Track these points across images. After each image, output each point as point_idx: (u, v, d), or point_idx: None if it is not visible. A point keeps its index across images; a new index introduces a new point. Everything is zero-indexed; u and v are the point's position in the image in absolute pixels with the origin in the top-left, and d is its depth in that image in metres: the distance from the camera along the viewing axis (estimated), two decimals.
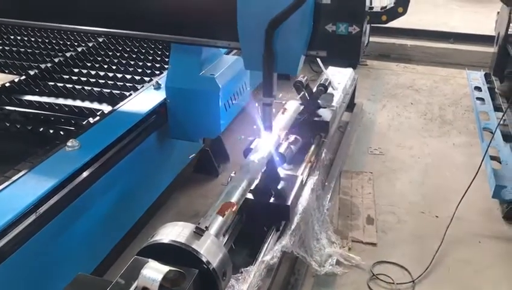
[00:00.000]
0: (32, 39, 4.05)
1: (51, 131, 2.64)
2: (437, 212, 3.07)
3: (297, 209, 2.38)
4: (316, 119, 3.09)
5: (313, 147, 2.92)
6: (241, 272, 1.94)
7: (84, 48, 3.84)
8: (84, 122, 2.66)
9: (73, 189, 2.08)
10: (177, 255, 1.52)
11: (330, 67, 4.02)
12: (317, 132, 3.08)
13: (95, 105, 2.97)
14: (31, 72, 3.35)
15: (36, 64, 3.49)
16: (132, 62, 3.58)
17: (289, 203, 2.28)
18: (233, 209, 1.85)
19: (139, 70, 3.44)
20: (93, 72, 3.36)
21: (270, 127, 2.21)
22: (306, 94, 3.05)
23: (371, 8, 2.27)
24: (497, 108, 4.12)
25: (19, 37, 4.08)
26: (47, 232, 1.95)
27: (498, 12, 4.63)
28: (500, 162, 3.26)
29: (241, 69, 2.71)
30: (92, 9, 2.56)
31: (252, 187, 2.18)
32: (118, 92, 3.04)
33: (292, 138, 2.53)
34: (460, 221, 2.88)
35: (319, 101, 3.14)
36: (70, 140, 2.29)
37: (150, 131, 2.70)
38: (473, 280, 2.57)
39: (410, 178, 3.46)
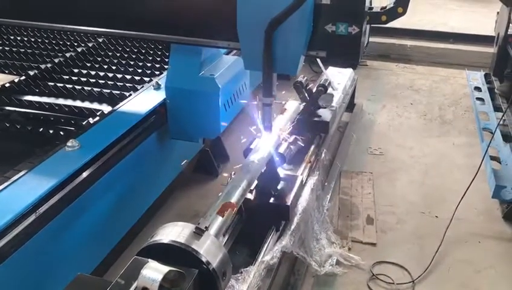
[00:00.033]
0: (32, 39, 4.05)
1: (51, 131, 2.64)
2: (437, 213, 3.07)
3: (297, 209, 2.39)
4: (315, 119, 3.10)
5: (312, 147, 2.92)
6: (241, 272, 1.94)
7: (84, 48, 3.84)
8: (84, 123, 2.67)
9: (73, 189, 2.08)
10: (177, 255, 1.52)
11: (330, 68, 4.01)
12: (317, 132, 3.08)
13: (95, 105, 2.97)
14: (31, 73, 3.35)
15: (36, 65, 3.50)
16: (132, 62, 3.58)
17: (289, 203, 2.28)
18: (233, 210, 1.85)
19: (139, 70, 3.44)
20: (93, 73, 3.36)
21: (269, 127, 2.21)
22: (306, 94, 3.05)
23: (371, 8, 2.27)
24: (496, 108, 4.13)
25: (18, 38, 4.08)
26: (47, 233, 1.95)
27: (498, 13, 4.63)
28: (500, 162, 3.26)
29: (241, 69, 2.72)
30: (91, 9, 2.56)
31: (252, 187, 2.18)
32: (118, 92, 3.04)
33: (292, 138, 2.54)
34: (460, 221, 2.88)
35: (318, 101, 3.14)
36: (70, 140, 2.29)
37: (150, 131, 2.70)
38: (473, 280, 2.57)
39: (410, 178, 3.46)
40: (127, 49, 3.85)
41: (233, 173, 2.24)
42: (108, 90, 3.07)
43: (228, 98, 2.80)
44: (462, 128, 4.19)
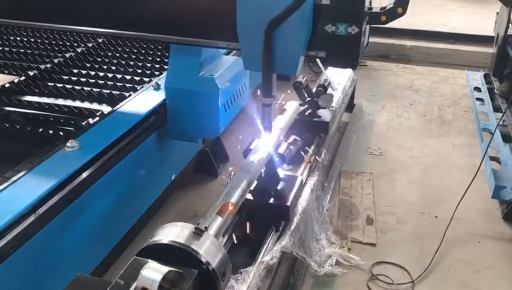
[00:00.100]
0: (32, 40, 4.05)
1: (51, 132, 2.64)
2: (437, 213, 3.07)
3: (296, 209, 2.38)
4: (315, 119, 3.10)
5: (312, 147, 2.92)
6: (241, 273, 1.94)
7: (83, 49, 3.84)
8: (83, 123, 2.67)
9: (73, 190, 2.08)
10: (176, 255, 1.52)
11: (330, 68, 4.02)
12: (316, 132, 3.08)
13: (95, 106, 2.97)
14: (31, 73, 3.35)
15: (36, 65, 3.49)
16: (131, 63, 3.58)
17: (289, 203, 2.28)
18: (233, 210, 1.85)
19: (139, 70, 3.44)
20: (92, 73, 3.36)
21: (269, 127, 2.21)
22: (305, 95, 3.05)
23: (370, 8, 2.27)
24: (496, 109, 4.13)
25: (18, 38, 4.08)
26: (46, 233, 1.94)
27: (497, 13, 4.64)
28: (499, 163, 3.26)
29: (241, 69, 2.72)
30: (91, 10, 2.56)
31: (252, 187, 2.18)
32: (118, 92, 3.04)
33: (291, 138, 2.54)
34: (459, 221, 2.88)
35: (318, 101, 3.14)
36: (70, 141, 2.29)
37: (150, 132, 2.70)
38: (473, 280, 2.57)
39: (410, 178, 3.46)
40: (127, 50, 3.85)
41: (232, 173, 2.24)
42: (108, 91, 3.07)
43: (228, 99, 2.80)
44: (461, 128, 4.19)
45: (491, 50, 4.87)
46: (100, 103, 3.00)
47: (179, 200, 3.16)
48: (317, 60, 3.27)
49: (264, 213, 2.29)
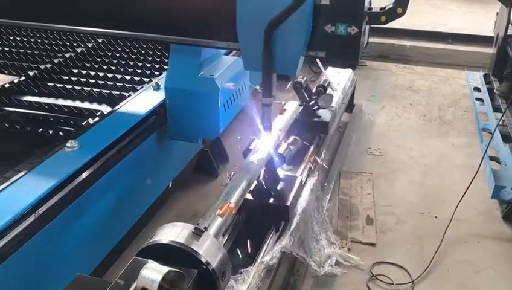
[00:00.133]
0: (32, 40, 4.05)
1: (51, 132, 2.64)
2: (436, 213, 3.07)
3: (296, 209, 2.39)
4: (315, 119, 3.10)
5: (312, 148, 2.92)
6: (241, 273, 1.94)
7: (83, 49, 3.84)
8: (83, 123, 2.66)
9: (73, 190, 2.08)
10: (176, 255, 1.52)
11: (329, 68, 4.02)
12: (316, 132, 3.08)
13: (95, 106, 2.97)
14: (31, 73, 3.35)
15: (36, 65, 3.49)
16: (131, 63, 3.58)
17: (288, 203, 2.28)
18: (233, 210, 1.85)
19: (139, 71, 3.44)
20: (92, 73, 3.36)
21: (269, 127, 2.21)
22: (305, 95, 3.05)
23: (370, 8, 2.27)
24: (496, 109, 4.13)
25: (18, 38, 4.08)
26: (46, 233, 1.94)
27: (497, 13, 4.64)
28: (499, 163, 3.26)
29: (241, 69, 2.72)
30: (91, 10, 2.56)
31: (252, 188, 2.19)
32: (118, 92, 3.04)
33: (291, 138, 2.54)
34: (459, 221, 2.88)
35: (318, 101, 3.14)
36: (70, 141, 2.29)
37: (150, 132, 2.70)
38: (472, 280, 2.57)
39: (410, 179, 3.47)
40: (127, 50, 3.85)
41: (232, 173, 2.24)
42: (108, 91, 3.07)
43: (228, 99, 2.80)
44: (461, 128, 4.19)
45: (491, 50, 4.87)
46: (100, 103, 3.00)
47: (179, 200, 3.16)
48: (317, 60, 3.27)
49: (263, 213, 2.30)
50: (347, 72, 4.09)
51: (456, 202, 2.79)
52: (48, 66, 3.49)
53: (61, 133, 2.61)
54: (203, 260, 1.52)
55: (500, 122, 3.63)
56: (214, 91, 2.66)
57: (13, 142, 2.65)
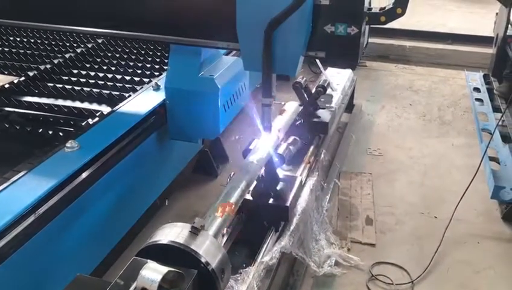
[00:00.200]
0: (32, 40, 4.05)
1: (50, 132, 2.64)
2: (436, 213, 3.08)
3: (296, 210, 2.39)
4: (315, 120, 3.10)
5: (312, 148, 2.92)
6: (240, 273, 1.94)
7: (83, 49, 3.84)
8: (83, 124, 2.67)
9: (73, 190, 2.08)
10: (176, 255, 1.52)
11: (329, 68, 4.02)
12: (316, 132, 3.08)
13: (94, 106, 2.97)
14: (30, 73, 3.35)
15: (35, 66, 3.50)
16: (131, 63, 3.58)
17: (288, 204, 2.28)
18: (232, 210, 1.85)
19: (138, 71, 3.44)
20: (92, 73, 3.36)
21: (269, 127, 2.21)
22: (305, 95, 3.05)
23: (370, 8, 2.27)
24: (495, 109, 4.13)
25: (18, 38, 4.08)
26: (46, 233, 1.94)
27: (497, 14, 4.64)
28: (499, 163, 3.26)
29: (241, 69, 2.72)
30: (91, 10, 2.56)
31: (251, 188, 2.19)
32: (117, 93, 3.05)
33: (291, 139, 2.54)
34: (459, 222, 2.88)
35: (318, 102, 3.14)
36: (70, 141, 2.29)
37: (149, 132, 2.70)
38: (472, 281, 2.57)
39: (409, 179, 3.47)
40: (126, 50, 3.85)
41: (232, 173, 2.24)
42: (108, 91, 3.07)
43: (228, 99, 2.80)
44: (461, 129, 4.19)
45: (490, 50, 4.87)
46: (100, 103, 3.00)
47: (178, 200, 3.16)
48: (317, 61, 3.27)
49: (263, 213, 2.30)
50: (347, 73, 4.09)
51: (455, 202, 2.78)
52: (48, 66, 3.49)
53: (60, 134, 2.61)
54: (203, 260, 1.52)
55: (500, 123, 3.63)
56: (214, 91, 2.66)
57: (13, 142, 2.65)
